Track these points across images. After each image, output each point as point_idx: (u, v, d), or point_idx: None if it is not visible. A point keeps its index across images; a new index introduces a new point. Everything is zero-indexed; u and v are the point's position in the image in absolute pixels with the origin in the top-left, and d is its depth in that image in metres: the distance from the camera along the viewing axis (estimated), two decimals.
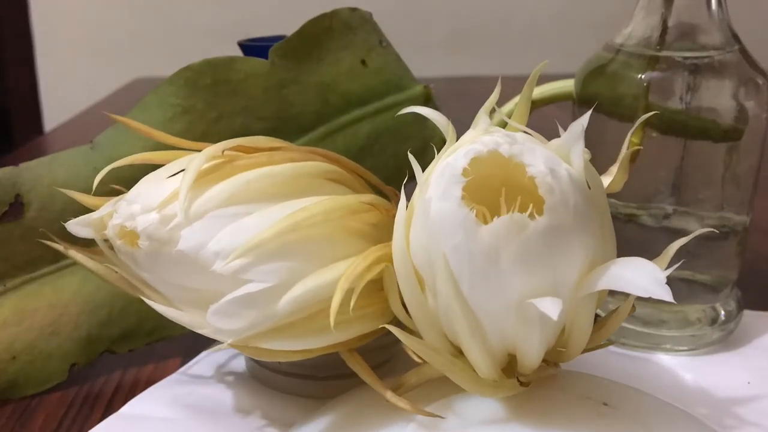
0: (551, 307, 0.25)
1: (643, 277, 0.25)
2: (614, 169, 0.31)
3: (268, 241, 0.28)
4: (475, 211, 0.26)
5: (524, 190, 0.28)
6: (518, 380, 0.28)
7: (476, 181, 0.27)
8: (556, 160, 0.27)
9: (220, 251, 0.28)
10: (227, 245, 0.28)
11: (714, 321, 0.39)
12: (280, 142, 0.34)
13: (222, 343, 0.29)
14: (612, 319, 0.30)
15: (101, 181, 0.32)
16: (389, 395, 0.29)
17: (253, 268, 0.27)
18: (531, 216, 0.26)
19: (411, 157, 0.29)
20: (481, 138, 0.28)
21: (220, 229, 0.28)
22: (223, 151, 0.31)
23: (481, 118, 0.30)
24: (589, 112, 0.28)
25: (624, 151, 0.31)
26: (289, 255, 0.28)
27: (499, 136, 0.28)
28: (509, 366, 0.28)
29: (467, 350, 0.27)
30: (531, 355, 0.27)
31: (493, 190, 0.29)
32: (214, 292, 0.29)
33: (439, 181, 0.27)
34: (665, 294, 0.24)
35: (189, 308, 0.30)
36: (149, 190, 0.31)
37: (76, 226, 0.32)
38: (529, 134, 0.29)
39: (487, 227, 0.26)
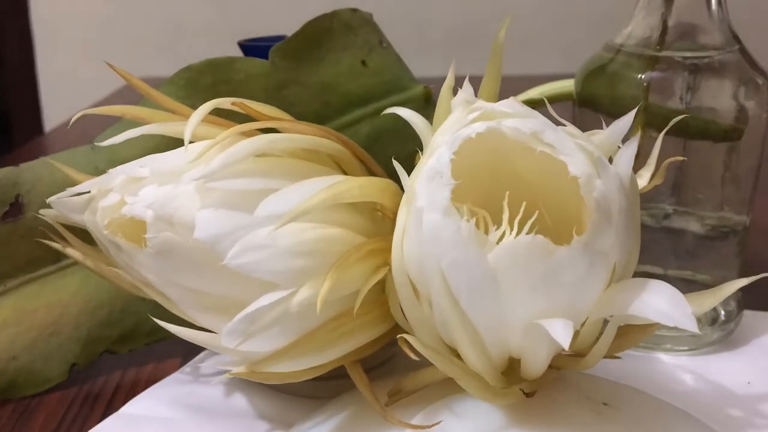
0: (563, 334, 0.23)
1: (673, 309, 0.24)
2: (645, 173, 0.30)
3: (314, 208, 0.28)
4: (474, 220, 0.24)
5: (520, 178, 0.27)
6: (523, 391, 0.27)
7: (466, 171, 0.26)
8: (599, 156, 0.25)
9: (269, 216, 0.27)
10: (275, 210, 0.28)
11: (714, 321, 0.39)
12: (287, 115, 0.34)
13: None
14: (634, 333, 0.29)
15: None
16: (388, 417, 0.29)
17: (264, 266, 0.27)
18: (538, 223, 0.24)
19: (396, 164, 0.28)
20: (467, 117, 0.26)
21: (234, 217, 0.28)
22: (232, 104, 0.32)
23: (466, 88, 0.28)
24: (633, 112, 0.27)
25: (654, 154, 0.30)
26: (297, 255, 0.28)
27: (504, 106, 0.26)
28: (511, 368, 0.28)
29: (466, 358, 0.27)
30: (536, 365, 0.27)
31: (484, 177, 0.27)
32: (225, 295, 0.29)
33: (426, 189, 0.26)
34: (694, 328, 0.24)
35: (198, 313, 0.30)
36: (156, 159, 0.30)
37: (60, 203, 0.32)
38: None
39: (496, 251, 0.24)
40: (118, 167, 0.31)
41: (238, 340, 0.27)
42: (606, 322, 0.27)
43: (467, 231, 0.24)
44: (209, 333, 0.30)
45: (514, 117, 0.26)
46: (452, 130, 0.26)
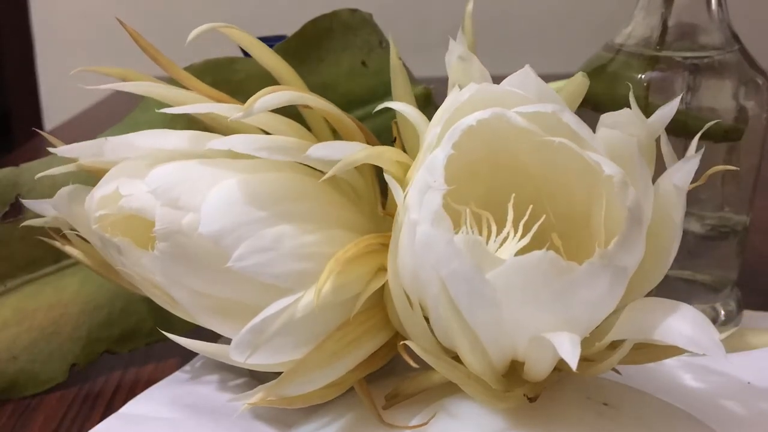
0: (571, 352, 0.22)
1: (700, 335, 0.23)
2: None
3: (359, 162, 0.28)
4: (473, 231, 0.24)
5: (522, 167, 0.26)
6: (527, 397, 0.27)
7: (466, 164, 0.25)
8: (637, 156, 0.23)
9: (326, 158, 0.28)
10: (326, 155, 0.28)
11: (714, 321, 0.39)
12: (299, 82, 0.34)
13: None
14: (653, 352, 0.28)
15: None
16: (385, 421, 0.29)
17: (268, 269, 0.27)
18: (549, 227, 0.23)
19: (388, 178, 0.28)
20: (459, 99, 0.25)
21: (239, 213, 0.28)
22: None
23: (459, 39, 0.27)
24: (678, 99, 0.26)
25: (674, 154, 0.29)
26: (301, 258, 0.28)
27: (510, 85, 0.24)
28: (512, 368, 0.28)
29: (467, 362, 0.27)
30: (539, 370, 0.26)
31: (485, 167, 0.26)
32: (232, 298, 0.28)
33: (419, 200, 0.25)
34: (723, 356, 0.23)
35: (205, 315, 0.30)
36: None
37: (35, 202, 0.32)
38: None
39: (499, 270, 0.22)
40: (119, 137, 0.30)
41: (246, 352, 0.27)
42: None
43: (462, 243, 0.23)
44: (218, 345, 0.30)
45: (518, 103, 0.25)
46: (446, 116, 0.26)
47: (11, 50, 1.47)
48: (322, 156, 0.28)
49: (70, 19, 1.46)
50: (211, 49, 0.38)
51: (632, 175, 0.24)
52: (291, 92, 0.30)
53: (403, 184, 0.29)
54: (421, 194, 0.25)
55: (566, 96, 0.30)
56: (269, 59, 0.34)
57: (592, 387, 0.30)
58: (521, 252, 0.25)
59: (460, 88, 0.27)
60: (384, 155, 0.30)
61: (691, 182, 0.27)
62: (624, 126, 0.26)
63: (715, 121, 0.31)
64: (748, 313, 0.41)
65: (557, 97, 0.26)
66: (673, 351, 0.27)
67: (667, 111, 0.27)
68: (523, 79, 0.26)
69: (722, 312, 0.39)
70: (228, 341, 0.29)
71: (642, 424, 0.28)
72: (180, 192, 0.28)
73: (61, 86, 1.48)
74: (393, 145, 0.32)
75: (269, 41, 0.42)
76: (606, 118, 0.26)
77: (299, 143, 0.30)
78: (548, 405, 0.28)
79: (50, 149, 0.32)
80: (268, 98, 0.29)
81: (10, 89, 1.49)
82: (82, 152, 0.31)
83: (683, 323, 0.24)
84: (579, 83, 0.30)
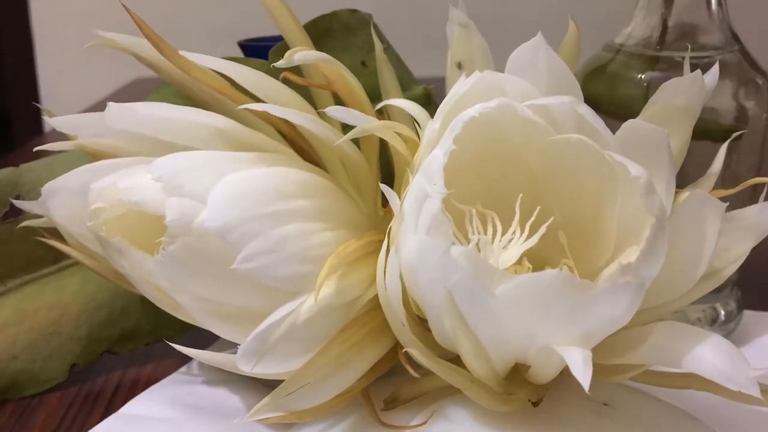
0: (583, 371, 0.21)
1: (736, 370, 0.22)
2: (706, 182, 0.28)
3: (371, 132, 0.29)
4: (478, 232, 0.23)
5: (525, 163, 0.26)
6: (531, 401, 0.27)
7: (467, 158, 0.24)
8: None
9: (342, 120, 0.28)
10: (342, 117, 0.28)
11: (714, 321, 0.39)
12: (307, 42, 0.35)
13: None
14: (676, 379, 0.27)
15: None
16: (384, 423, 0.29)
17: (272, 272, 0.27)
18: (555, 225, 0.23)
19: (385, 187, 0.28)
20: (461, 88, 0.25)
21: (246, 207, 0.27)
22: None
23: (461, 7, 0.27)
24: (716, 67, 0.25)
25: (718, 163, 0.28)
26: (305, 261, 0.28)
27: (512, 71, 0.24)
28: (515, 369, 0.28)
29: (470, 367, 0.26)
30: (545, 375, 0.26)
31: (487, 161, 0.26)
32: (236, 303, 0.28)
33: (416, 207, 0.24)
34: (757, 393, 0.22)
35: (209, 320, 0.30)
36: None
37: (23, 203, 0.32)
38: None
39: (508, 287, 0.21)
40: (122, 104, 0.30)
41: (253, 360, 0.27)
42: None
43: (458, 254, 0.22)
44: (225, 354, 0.30)
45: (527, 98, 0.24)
46: (447, 108, 0.25)
47: (11, 50, 1.47)
48: (339, 117, 0.28)
49: (70, 19, 1.46)
50: (211, 50, 0.38)
51: (656, 170, 0.23)
52: (321, 53, 0.31)
53: (406, 175, 0.29)
54: (418, 201, 0.24)
55: (565, 57, 0.29)
56: (288, 26, 0.34)
57: (591, 387, 0.30)
58: (525, 252, 0.25)
59: (461, 67, 0.27)
60: (397, 129, 0.30)
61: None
62: (685, 90, 0.25)
63: (740, 132, 0.30)
64: (748, 313, 0.41)
65: (569, 74, 0.24)
66: (697, 384, 0.26)
67: (712, 75, 0.26)
68: (533, 51, 0.25)
69: (722, 312, 0.39)
70: (227, 342, 0.29)
71: (642, 424, 0.28)
72: (185, 179, 0.27)
73: (61, 86, 1.48)
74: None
75: (269, 41, 0.42)
76: (668, 85, 0.25)
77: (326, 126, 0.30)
78: (548, 405, 0.28)
79: (46, 119, 0.31)
80: (304, 53, 0.30)
81: (10, 89, 1.49)
82: (82, 126, 0.31)
83: (718, 356, 0.22)
84: (572, 34, 0.30)
